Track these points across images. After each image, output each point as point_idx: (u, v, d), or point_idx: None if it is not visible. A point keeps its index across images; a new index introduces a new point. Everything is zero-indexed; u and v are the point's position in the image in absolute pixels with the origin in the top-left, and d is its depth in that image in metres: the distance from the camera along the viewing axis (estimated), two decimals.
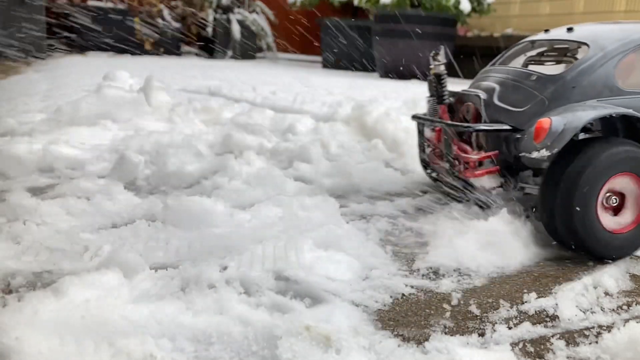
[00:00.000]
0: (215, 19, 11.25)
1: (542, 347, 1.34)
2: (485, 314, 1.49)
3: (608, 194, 1.87)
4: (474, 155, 2.11)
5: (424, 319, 1.45)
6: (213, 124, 3.77)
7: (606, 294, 1.63)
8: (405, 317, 1.45)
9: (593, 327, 1.44)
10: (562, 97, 1.97)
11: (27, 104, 4.17)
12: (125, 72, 4.67)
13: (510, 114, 2.06)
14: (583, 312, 1.51)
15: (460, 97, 2.29)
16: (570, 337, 1.38)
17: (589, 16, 7.80)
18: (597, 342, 1.35)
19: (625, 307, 1.55)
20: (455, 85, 2.44)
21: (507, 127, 2.04)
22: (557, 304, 1.53)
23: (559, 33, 2.29)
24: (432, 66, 2.25)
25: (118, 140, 3.18)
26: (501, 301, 1.56)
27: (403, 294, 1.58)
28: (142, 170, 2.60)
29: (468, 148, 2.17)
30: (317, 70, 9.46)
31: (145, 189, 2.47)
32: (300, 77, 6.01)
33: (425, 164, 2.51)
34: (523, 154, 1.92)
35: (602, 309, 1.54)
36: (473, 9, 8.57)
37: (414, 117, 2.44)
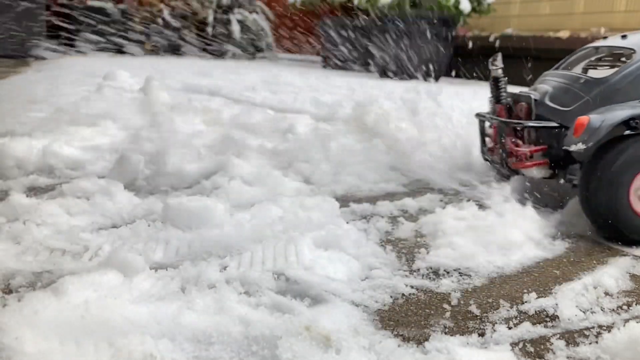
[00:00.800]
0: (215, 19, 11.25)
1: (542, 347, 1.34)
2: (485, 314, 1.49)
3: None
4: (525, 149, 2.35)
5: (424, 319, 1.45)
6: (213, 124, 3.77)
7: (606, 294, 1.63)
8: (405, 317, 1.45)
9: (593, 327, 1.44)
10: (606, 98, 2.20)
11: (27, 104, 4.17)
12: (125, 72, 4.67)
13: (559, 112, 2.32)
14: (583, 312, 1.51)
15: (517, 98, 2.51)
16: (570, 337, 1.38)
17: (589, 16, 7.80)
18: (597, 342, 1.35)
19: (625, 307, 1.55)
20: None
21: (554, 124, 2.31)
22: (557, 304, 1.53)
23: (614, 40, 2.54)
24: (490, 70, 2.50)
25: (118, 140, 3.18)
26: (501, 301, 1.56)
27: (403, 294, 1.58)
28: (142, 170, 2.60)
29: (520, 143, 2.41)
30: (317, 70, 9.46)
31: (145, 189, 2.47)
32: (300, 77, 6.01)
33: (486, 156, 2.72)
34: (565, 147, 2.15)
35: (602, 309, 1.54)
36: (473, 9, 8.57)
37: (477, 115, 2.69)
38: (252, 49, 11.54)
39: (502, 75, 2.48)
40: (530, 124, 2.36)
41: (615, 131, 2.04)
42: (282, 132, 3.51)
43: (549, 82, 2.49)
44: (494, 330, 1.40)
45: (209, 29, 11.23)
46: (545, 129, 2.33)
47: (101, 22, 9.76)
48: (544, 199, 2.44)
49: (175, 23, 10.91)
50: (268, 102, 4.87)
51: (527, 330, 1.41)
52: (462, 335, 1.37)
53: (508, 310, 1.51)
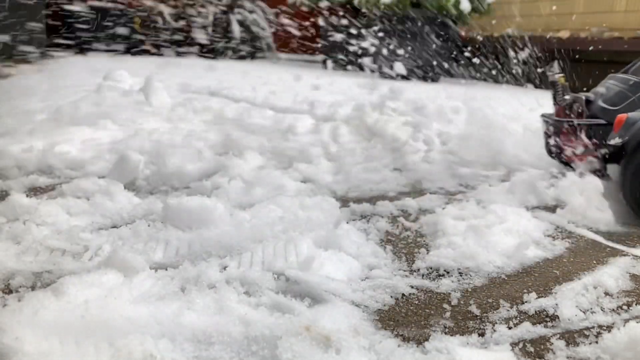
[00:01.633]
0: (215, 19, 11.25)
1: (542, 347, 1.34)
2: (485, 314, 1.49)
3: None
4: (576, 144, 2.58)
5: (424, 319, 1.45)
6: (213, 124, 3.77)
7: (606, 294, 1.63)
8: (405, 317, 1.45)
9: (593, 327, 1.44)
10: None
11: (27, 104, 4.16)
12: (125, 72, 4.67)
13: (608, 112, 2.55)
14: (583, 312, 1.51)
15: (574, 99, 2.72)
16: (570, 337, 1.38)
17: (589, 16, 7.79)
18: (597, 342, 1.35)
19: (625, 307, 1.55)
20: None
21: (602, 121, 2.53)
22: (557, 304, 1.53)
23: None
24: (548, 75, 2.75)
25: (118, 140, 3.18)
26: (501, 301, 1.56)
27: (403, 294, 1.58)
28: (142, 170, 2.60)
29: (573, 138, 2.62)
30: (317, 70, 9.46)
31: (145, 189, 2.47)
32: (300, 77, 6.00)
33: (549, 151, 2.93)
34: (607, 142, 2.39)
35: (602, 309, 1.53)
36: (473, 9, 8.56)
37: (542, 115, 2.93)
38: (252, 49, 11.54)
39: (559, 79, 2.72)
40: (579, 121, 2.60)
41: None
42: (282, 132, 3.51)
43: (606, 84, 2.73)
44: (494, 330, 1.39)
45: (209, 29, 11.23)
46: (595, 127, 2.55)
47: (101, 22, 9.74)
48: (544, 199, 2.44)
49: (175, 23, 10.91)
50: (268, 102, 4.87)
51: (527, 330, 1.41)
52: (462, 335, 1.37)
53: (508, 310, 1.51)
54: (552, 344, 1.35)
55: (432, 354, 1.27)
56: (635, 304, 1.57)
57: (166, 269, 1.60)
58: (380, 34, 8.29)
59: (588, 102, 2.67)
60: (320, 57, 10.57)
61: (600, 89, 2.74)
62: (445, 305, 1.52)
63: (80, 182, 2.35)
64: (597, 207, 2.27)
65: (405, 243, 1.98)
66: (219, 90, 5.46)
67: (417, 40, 7.61)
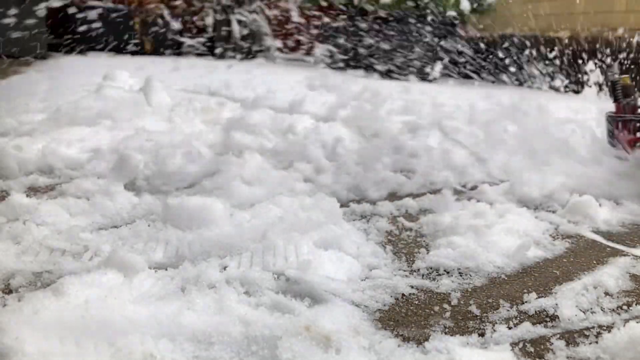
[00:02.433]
0: (215, 19, 11.25)
1: (542, 347, 1.34)
2: (485, 314, 1.49)
3: None
4: (629, 137, 2.82)
5: (424, 319, 1.45)
6: (213, 124, 3.77)
7: (606, 294, 1.62)
8: (405, 317, 1.45)
9: (593, 327, 1.43)
10: None
11: (27, 104, 4.17)
12: (125, 72, 4.67)
13: None
14: (583, 312, 1.51)
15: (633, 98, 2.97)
16: (570, 337, 1.38)
17: (588, 16, 7.79)
18: (597, 342, 1.35)
19: (625, 307, 1.55)
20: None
21: None
22: (557, 304, 1.53)
23: None
24: (608, 75, 3.03)
25: (118, 140, 3.18)
26: (501, 301, 1.56)
27: (403, 294, 1.58)
28: (142, 170, 2.60)
29: (626, 132, 2.86)
30: (317, 70, 9.46)
31: (145, 189, 2.46)
32: (300, 77, 6.00)
33: (611, 144, 3.08)
34: None
35: (602, 309, 1.53)
36: (473, 9, 8.56)
37: (606, 113, 3.07)
38: (252, 49, 11.54)
39: (618, 79, 2.94)
40: (630, 117, 2.84)
41: None
42: (282, 132, 3.51)
43: None
44: (494, 330, 1.39)
45: (209, 29, 11.23)
46: None
47: (101, 22, 9.74)
48: (545, 199, 2.44)
49: (175, 23, 10.91)
50: (268, 102, 4.87)
51: (527, 330, 1.41)
52: (462, 335, 1.37)
53: (508, 310, 1.51)
54: (552, 344, 1.34)
55: (432, 354, 1.27)
56: (635, 304, 1.57)
57: (166, 269, 1.60)
58: (381, 34, 8.28)
59: None
60: (320, 57, 10.56)
61: None
62: (445, 305, 1.52)
63: (80, 182, 2.35)
64: (597, 207, 2.26)
65: (405, 243, 1.98)
66: (218, 90, 5.47)
67: (418, 40, 7.61)
